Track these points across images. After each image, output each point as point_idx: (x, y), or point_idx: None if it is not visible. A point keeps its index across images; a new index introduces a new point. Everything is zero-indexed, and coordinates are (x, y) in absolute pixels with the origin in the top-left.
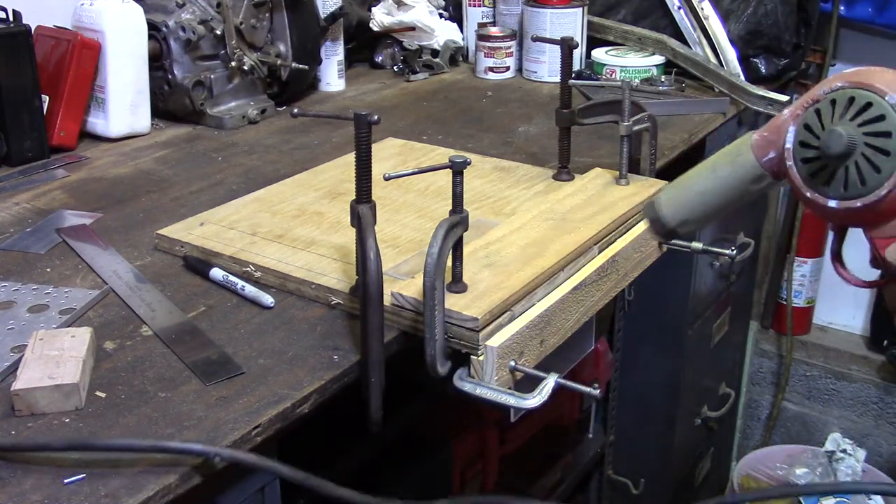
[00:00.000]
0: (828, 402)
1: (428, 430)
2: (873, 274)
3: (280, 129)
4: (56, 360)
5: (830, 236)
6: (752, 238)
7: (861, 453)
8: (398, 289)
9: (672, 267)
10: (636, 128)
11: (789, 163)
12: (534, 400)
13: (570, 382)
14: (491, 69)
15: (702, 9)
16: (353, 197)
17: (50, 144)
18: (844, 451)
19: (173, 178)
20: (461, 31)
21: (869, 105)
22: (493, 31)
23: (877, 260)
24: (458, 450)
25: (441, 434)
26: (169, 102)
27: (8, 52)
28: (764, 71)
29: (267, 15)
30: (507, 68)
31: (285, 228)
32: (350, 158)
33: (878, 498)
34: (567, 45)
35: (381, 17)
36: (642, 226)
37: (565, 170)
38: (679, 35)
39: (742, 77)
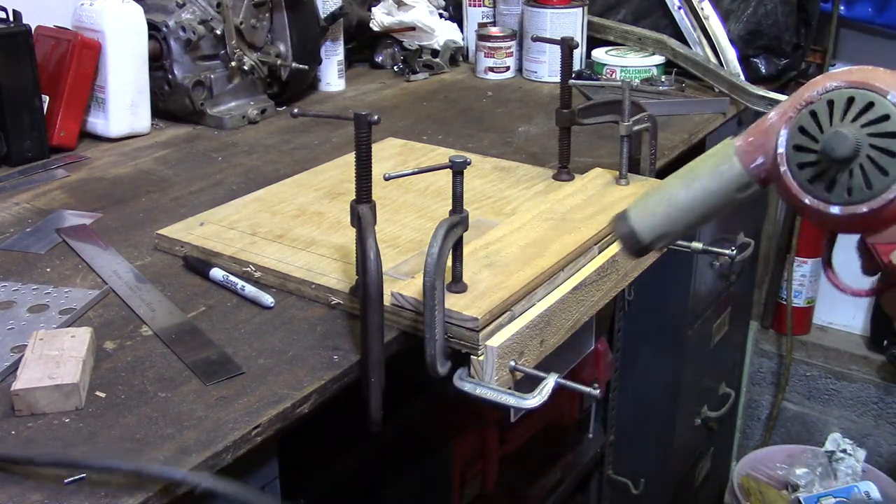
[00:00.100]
0: (828, 402)
1: (428, 430)
2: (864, 280)
3: (280, 129)
4: (56, 360)
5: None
6: (752, 238)
7: (861, 453)
8: (398, 289)
9: (672, 267)
10: (636, 128)
11: (783, 168)
12: (534, 400)
13: (570, 382)
14: (491, 69)
15: (702, 9)
16: (353, 197)
17: (50, 144)
18: (844, 451)
19: (173, 178)
20: (461, 31)
21: (871, 105)
22: (493, 31)
23: (871, 267)
24: (458, 450)
25: (441, 434)
26: (169, 102)
27: (8, 52)
28: (764, 71)
29: (267, 15)
30: (507, 68)
31: (285, 228)
32: (350, 158)
33: (878, 498)
34: (567, 45)
35: (381, 17)
36: None
37: (565, 170)
38: (679, 35)
39: (742, 77)
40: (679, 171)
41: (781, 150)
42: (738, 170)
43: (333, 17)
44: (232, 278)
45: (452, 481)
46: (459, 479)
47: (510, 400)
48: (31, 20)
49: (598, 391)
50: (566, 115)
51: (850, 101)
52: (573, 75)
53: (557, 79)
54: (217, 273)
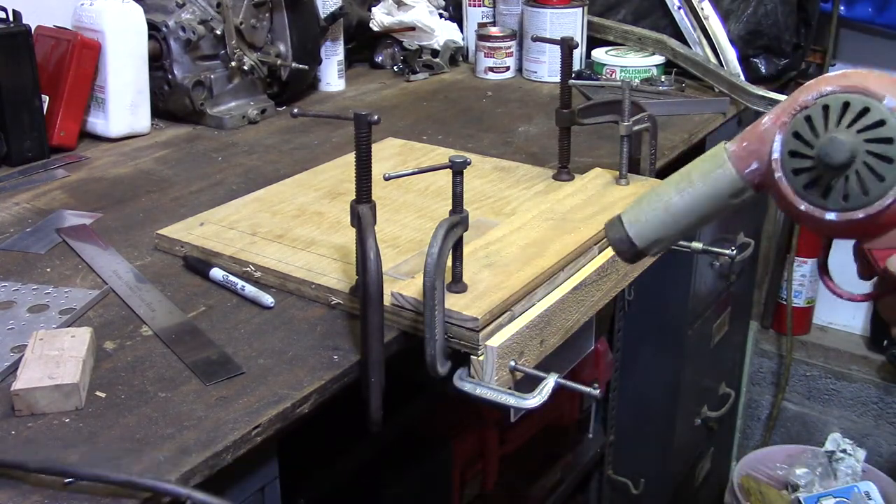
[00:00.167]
0: (828, 402)
1: (428, 430)
2: (861, 285)
3: (280, 129)
4: (56, 360)
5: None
6: (752, 238)
7: (861, 453)
8: (398, 289)
9: (672, 267)
10: (636, 128)
11: (778, 174)
12: (534, 400)
13: (570, 382)
14: (491, 69)
15: (702, 9)
16: (353, 197)
17: (50, 144)
18: (844, 451)
19: (173, 178)
20: (461, 31)
21: (867, 110)
22: (493, 31)
23: (867, 272)
24: (458, 450)
25: (441, 434)
26: (169, 102)
27: (8, 52)
28: (764, 71)
29: (267, 15)
30: (507, 68)
31: (285, 228)
32: (350, 158)
33: (878, 498)
34: (567, 45)
35: (381, 17)
36: None
37: (565, 170)
38: (679, 35)
39: (742, 77)
40: (672, 176)
41: (776, 155)
42: (731, 175)
43: (333, 17)
44: (232, 278)
45: (452, 481)
46: (459, 479)
47: (510, 400)
48: (31, 20)
49: (598, 391)
50: (566, 115)
51: (846, 106)
52: (573, 75)
53: (557, 79)
54: (217, 273)
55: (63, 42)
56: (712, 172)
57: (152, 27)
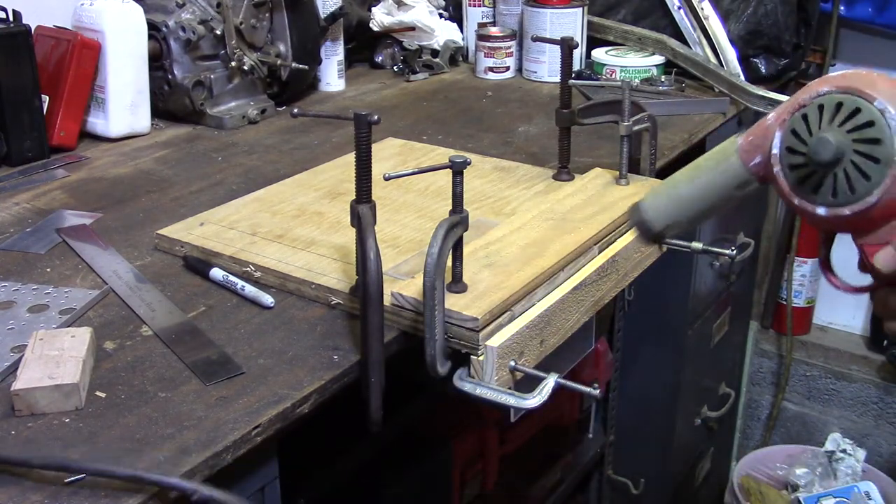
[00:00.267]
0: (828, 402)
1: (428, 430)
2: (863, 278)
3: (280, 129)
4: (56, 360)
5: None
6: (752, 238)
7: (861, 453)
8: (398, 289)
9: (672, 267)
10: (636, 128)
11: (776, 168)
12: (534, 400)
13: (570, 382)
14: (491, 69)
15: (702, 9)
16: (353, 197)
17: (50, 144)
18: (844, 451)
19: (173, 178)
20: (461, 31)
21: (857, 111)
22: (493, 31)
23: (865, 265)
24: (458, 450)
25: (441, 434)
26: (169, 102)
27: (8, 52)
28: (764, 71)
29: (267, 15)
30: (507, 68)
31: (285, 228)
32: (350, 158)
33: (878, 498)
34: (567, 45)
35: (381, 17)
36: None
37: (565, 170)
38: (679, 35)
39: (742, 77)
40: (688, 165)
41: (776, 150)
42: (737, 167)
43: (333, 17)
44: (232, 278)
45: (452, 481)
46: (459, 479)
47: (510, 400)
48: (31, 20)
49: (598, 391)
50: (566, 115)
51: (839, 106)
52: (573, 75)
53: (557, 79)
54: (217, 273)
55: (63, 42)
56: (721, 163)
57: (152, 27)
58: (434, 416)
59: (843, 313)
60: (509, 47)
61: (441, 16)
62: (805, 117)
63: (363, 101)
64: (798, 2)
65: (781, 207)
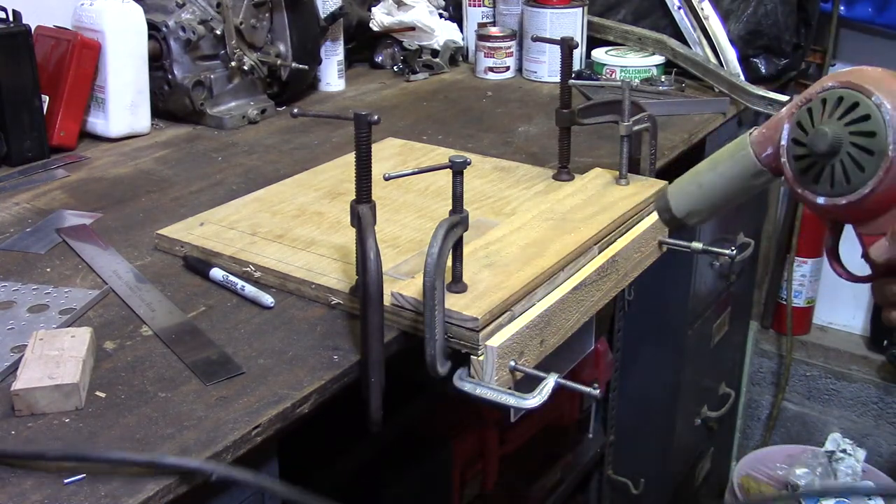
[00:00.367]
0: (828, 402)
1: (428, 430)
2: (867, 269)
3: (280, 129)
4: (56, 360)
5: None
6: (752, 238)
7: (861, 453)
8: (398, 289)
9: (672, 267)
10: (636, 128)
11: (783, 159)
12: (534, 400)
13: (570, 382)
14: (491, 69)
15: (702, 9)
16: (353, 197)
17: (50, 144)
18: (844, 451)
19: (173, 178)
20: (461, 31)
21: (856, 105)
22: (493, 31)
23: (867, 255)
24: (458, 450)
25: (441, 434)
26: (169, 102)
27: (8, 52)
28: (764, 71)
29: (267, 15)
30: (507, 68)
31: (285, 228)
32: (350, 158)
33: (878, 498)
34: (567, 45)
35: (381, 17)
36: (642, 226)
37: (565, 170)
38: (679, 35)
39: (742, 77)
40: (709, 157)
41: (783, 142)
42: (751, 158)
43: (333, 17)
44: (232, 278)
45: (452, 481)
46: (459, 479)
47: (510, 400)
48: (31, 20)
49: (598, 391)
50: (566, 115)
51: (840, 100)
52: (573, 75)
53: (557, 79)
54: (217, 273)
55: (63, 42)
56: (736, 154)
57: (152, 27)
58: (434, 416)
59: (843, 313)
60: (509, 47)
61: (441, 16)
62: (809, 111)
63: (363, 101)
64: (798, 2)
65: (781, 207)
